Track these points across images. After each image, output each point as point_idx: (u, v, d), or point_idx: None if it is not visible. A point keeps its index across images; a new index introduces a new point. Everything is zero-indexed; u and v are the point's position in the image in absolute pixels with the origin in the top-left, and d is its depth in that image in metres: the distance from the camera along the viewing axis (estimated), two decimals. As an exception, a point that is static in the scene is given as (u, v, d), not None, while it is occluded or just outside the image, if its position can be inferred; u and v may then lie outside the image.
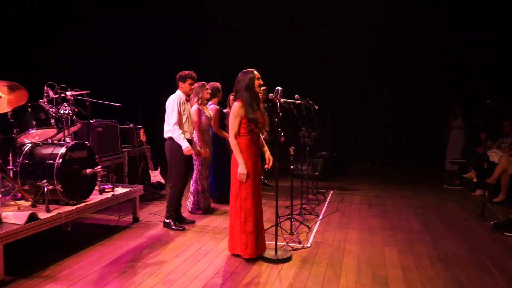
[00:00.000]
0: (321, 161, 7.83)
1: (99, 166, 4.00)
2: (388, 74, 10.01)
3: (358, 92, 10.17)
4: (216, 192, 5.66)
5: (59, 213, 3.52)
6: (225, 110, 6.13)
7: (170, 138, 4.42)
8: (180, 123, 4.41)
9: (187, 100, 4.60)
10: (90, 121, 5.30)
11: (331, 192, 6.80)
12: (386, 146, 10.29)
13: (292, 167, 4.37)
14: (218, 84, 5.51)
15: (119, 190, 4.52)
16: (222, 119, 5.65)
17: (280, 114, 3.69)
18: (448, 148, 9.25)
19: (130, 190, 4.62)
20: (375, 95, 10.21)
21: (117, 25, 9.34)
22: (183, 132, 4.45)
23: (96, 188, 4.30)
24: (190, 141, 4.53)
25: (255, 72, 3.54)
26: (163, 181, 6.11)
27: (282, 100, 3.77)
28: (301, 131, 5.10)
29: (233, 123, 3.49)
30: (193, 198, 5.19)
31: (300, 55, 9.88)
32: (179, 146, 4.37)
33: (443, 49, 9.60)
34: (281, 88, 3.64)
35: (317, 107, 6.04)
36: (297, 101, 5.11)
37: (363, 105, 10.29)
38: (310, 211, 5.25)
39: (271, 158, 3.78)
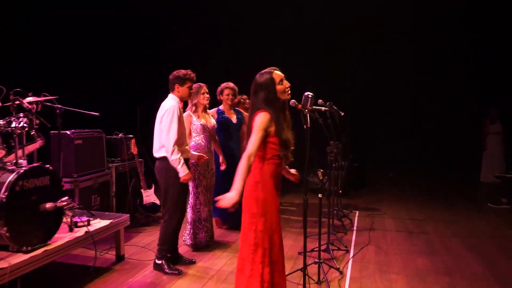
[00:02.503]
0: (342, 173, 6.78)
1: (65, 198, 2.99)
2: (411, 74, 8.97)
3: (377, 95, 9.11)
4: (223, 212, 4.64)
5: (1, 268, 2.52)
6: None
7: (164, 159, 3.42)
8: (179, 140, 3.40)
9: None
10: (67, 132, 4.32)
11: (357, 213, 5.76)
12: (408, 153, 9.23)
13: (320, 196, 3.35)
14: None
15: (97, 224, 3.51)
16: (227, 127, 4.67)
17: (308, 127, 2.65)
18: (485, 157, 8.14)
19: (111, 222, 3.61)
20: (396, 98, 9.14)
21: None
22: (183, 151, 3.45)
23: (65, 222, 3.30)
24: (187, 161, 3.52)
25: (276, 72, 2.50)
26: (158, 201, 5.10)
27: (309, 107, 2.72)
28: (329, 146, 4.05)
29: (254, 138, 2.42)
30: (191, 229, 4.16)
31: (317, 59, 8.80)
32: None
33: (475, 44, 8.51)
34: (311, 94, 2.60)
35: (342, 114, 5.00)
36: (322, 108, 4.09)
37: (383, 109, 9.23)
38: (339, 245, 4.21)
39: (296, 173, 2.72)
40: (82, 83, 6.36)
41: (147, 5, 8.17)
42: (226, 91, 4.62)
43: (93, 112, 3.63)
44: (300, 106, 2.66)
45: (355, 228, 5.03)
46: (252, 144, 2.43)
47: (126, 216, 3.86)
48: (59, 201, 2.93)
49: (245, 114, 5.34)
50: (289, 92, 2.52)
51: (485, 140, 8.14)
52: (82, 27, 6.58)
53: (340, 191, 5.53)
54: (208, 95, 4.09)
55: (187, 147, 3.56)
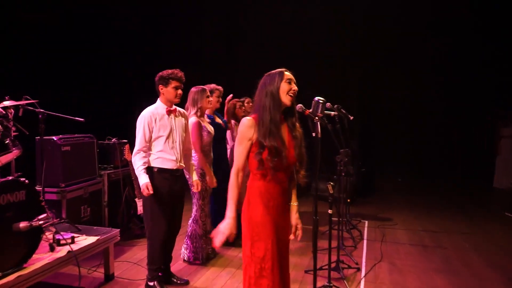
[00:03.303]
0: (351, 180, 6.41)
1: (44, 215, 2.65)
2: (418, 75, 8.56)
3: (382, 96, 8.72)
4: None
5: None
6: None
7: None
8: (153, 149, 3.15)
9: (171, 112, 3.22)
10: (53, 138, 3.98)
11: (366, 223, 5.40)
12: (415, 157, 8.83)
13: (330, 211, 3.00)
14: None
15: (82, 242, 3.17)
16: (219, 133, 4.29)
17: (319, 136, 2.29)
18: (498, 161, 7.79)
19: (98, 239, 3.27)
20: (402, 99, 8.74)
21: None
22: (162, 161, 3.15)
23: (45, 240, 2.96)
24: (172, 172, 3.19)
25: (286, 73, 2.17)
26: (153, 211, 4.75)
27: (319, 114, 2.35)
28: (339, 155, 3.68)
29: (237, 151, 2.17)
30: (191, 243, 3.81)
31: (323, 60, 8.43)
32: (156, 178, 3.11)
33: (485, 46, 8.11)
34: (322, 99, 2.24)
35: (352, 118, 4.65)
36: (332, 113, 3.74)
37: (389, 110, 8.84)
38: (349, 262, 3.85)
39: (300, 230, 2.29)
40: (74, 84, 6.01)
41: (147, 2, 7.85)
42: (216, 93, 4.17)
43: (78, 118, 3.29)
44: (308, 111, 2.30)
45: (365, 240, 4.67)
46: (236, 157, 2.16)
47: (115, 232, 3.52)
48: (36, 219, 2.59)
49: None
50: (293, 95, 2.17)
51: (499, 144, 7.78)
52: (75, 23, 6.24)
53: (349, 200, 5.17)
54: (211, 99, 3.76)
55: (168, 157, 3.17)
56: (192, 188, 3.58)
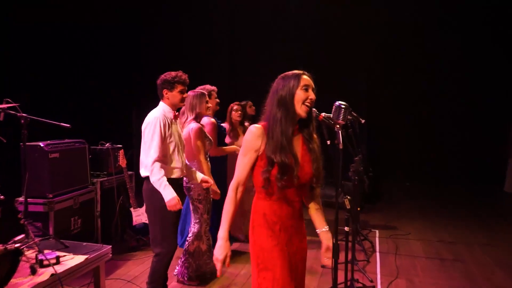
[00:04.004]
0: (357, 185, 6.07)
1: (22, 236, 2.32)
2: (426, 74, 8.23)
3: (388, 96, 8.37)
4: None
5: None
6: (223, 124, 4.44)
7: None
8: (165, 158, 2.78)
9: (176, 117, 2.93)
10: (40, 144, 3.65)
11: (377, 233, 5.07)
12: (423, 160, 8.49)
13: (346, 229, 2.68)
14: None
15: (68, 262, 2.83)
16: (220, 136, 3.98)
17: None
18: (510, 164, 7.47)
19: (87, 259, 2.93)
20: (408, 99, 8.38)
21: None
22: (171, 171, 2.80)
23: (26, 261, 2.63)
24: (177, 181, 2.87)
25: (303, 77, 1.84)
26: (149, 222, 4.42)
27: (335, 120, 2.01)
28: (353, 164, 3.35)
29: (240, 162, 1.85)
30: (193, 262, 3.41)
31: (329, 60, 8.09)
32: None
33: (496, 46, 7.79)
34: (345, 104, 1.91)
35: (363, 121, 4.32)
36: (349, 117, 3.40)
37: (395, 111, 8.49)
38: (363, 280, 3.52)
39: (330, 251, 1.92)
40: (65, 85, 5.68)
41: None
42: (214, 94, 3.88)
43: (63, 124, 2.95)
44: (322, 116, 1.98)
45: (377, 253, 4.34)
46: (239, 170, 1.85)
47: (107, 249, 3.16)
48: (12, 241, 2.26)
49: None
50: (309, 105, 1.83)
51: (510, 146, 7.48)
52: (67, 21, 5.91)
53: (359, 209, 4.86)
54: (210, 104, 3.44)
55: (175, 165, 2.88)
56: (204, 184, 3.19)
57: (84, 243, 3.28)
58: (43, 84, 5.18)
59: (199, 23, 8.20)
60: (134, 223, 4.38)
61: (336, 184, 1.93)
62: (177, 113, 2.97)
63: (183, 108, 3.33)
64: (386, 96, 8.28)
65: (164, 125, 2.80)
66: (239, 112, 4.51)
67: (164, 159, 2.79)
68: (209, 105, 3.41)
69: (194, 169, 3.21)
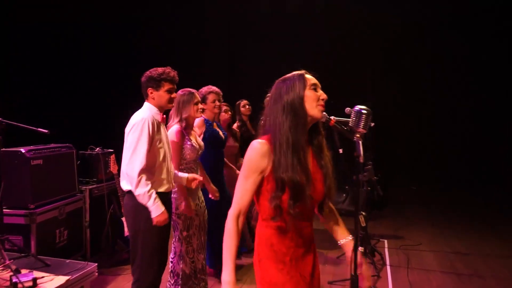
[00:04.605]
0: (364, 190, 5.75)
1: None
2: (434, 78, 7.94)
3: (394, 96, 8.06)
4: (214, 260, 3.59)
5: None
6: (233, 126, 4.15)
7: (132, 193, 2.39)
8: (152, 167, 2.41)
9: (164, 121, 2.58)
10: (20, 150, 3.34)
11: (386, 242, 4.76)
12: (428, 162, 8.18)
13: (361, 249, 2.36)
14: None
15: (47, 285, 2.53)
16: (216, 143, 3.52)
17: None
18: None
19: (68, 280, 2.62)
20: (414, 98, 8.08)
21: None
22: (160, 182, 2.46)
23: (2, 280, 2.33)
24: (166, 195, 2.54)
25: (307, 76, 1.56)
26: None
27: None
28: (364, 173, 3.02)
29: (241, 187, 1.52)
30: (177, 285, 2.97)
31: (329, 60, 7.79)
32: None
33: (505, 47, 7.49)
34: (367, 109, 1.59)
35: (373, 124, 4.00)
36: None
37: (400, 111, 8.18)
38: (375, 300, 3.22)
39: (367, 269, 1.67)
40: (53, 86, 5.37)
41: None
42: (211, 97, 3.46)
43: (41, 129, 2.65)
44: (333, 121, 1.66)
45: (388, 266, 4.04)
46: (240, 196, 1.52)
47: (92, 267, 2.87)
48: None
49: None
50: (323, 106, 1.55)
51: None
52: (59, 19, 5.60)
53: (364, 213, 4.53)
54: (201, 106, 3.04)
55: (164, 177, 2.49)
56: (193, 184, 2.76)
57: (68, 261, 2.99)
58: (30, 85, 4.87)
59: (198, 23, 7.90)
60: (126, 233, 4.06)
61: (355, 215, 1.61)
62: (164, 116, 2.58)
63: (172, 110, 2.89)
64: (389, 96, 7.98)
65: (153, 128, 2.39)
66: (229, 112, 4.08)
67: (151, 169, 2.39)
68: (201, 106, 3.01)
69: (175, 171, 2.75)
